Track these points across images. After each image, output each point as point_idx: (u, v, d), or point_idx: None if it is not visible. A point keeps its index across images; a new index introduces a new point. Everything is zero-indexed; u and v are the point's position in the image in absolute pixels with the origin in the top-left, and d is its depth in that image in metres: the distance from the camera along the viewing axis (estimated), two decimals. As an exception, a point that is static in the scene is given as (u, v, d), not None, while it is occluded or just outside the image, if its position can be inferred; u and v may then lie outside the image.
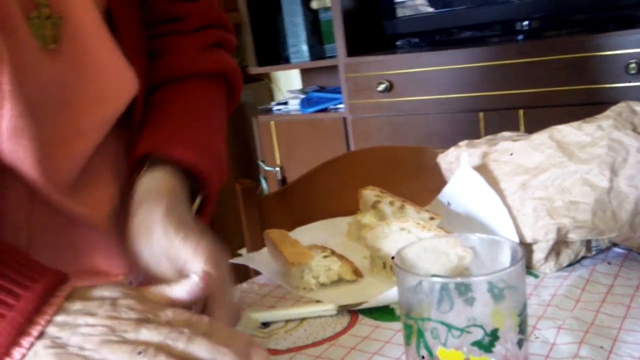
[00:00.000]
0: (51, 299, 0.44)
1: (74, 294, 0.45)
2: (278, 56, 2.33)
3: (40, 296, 0.43)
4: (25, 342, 0.42)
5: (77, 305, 0.44)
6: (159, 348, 0.42)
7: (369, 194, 0.80)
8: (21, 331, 0.42)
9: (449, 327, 0.42)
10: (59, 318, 0.43)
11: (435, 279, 0.42)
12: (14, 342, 0.41)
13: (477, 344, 0.42)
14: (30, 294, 0.43)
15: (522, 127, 1.65)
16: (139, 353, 0.41)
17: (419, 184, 1.12)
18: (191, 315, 0.45)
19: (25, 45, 0.54)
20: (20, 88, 0.52)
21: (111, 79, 0.61)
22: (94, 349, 0.42)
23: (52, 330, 0.43)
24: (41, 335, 0.42)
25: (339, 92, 2.04)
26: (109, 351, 0.42)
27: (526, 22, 1.80)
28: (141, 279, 0.65)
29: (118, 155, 0.66)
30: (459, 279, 0.42)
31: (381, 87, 1.83)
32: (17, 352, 0.42)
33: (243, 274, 0.90)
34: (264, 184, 2.29)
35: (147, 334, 0.43)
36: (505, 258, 0.45)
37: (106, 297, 0.45)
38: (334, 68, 2.06)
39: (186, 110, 0.67)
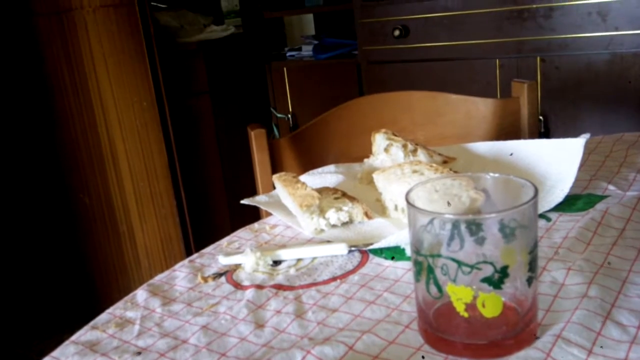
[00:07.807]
0: None
1: None
2: (292, 0, 2.28)
3: None
4: None
5: None
6: None
7: (382, 137, 0.79)
8: None
9: (459, 263, 0.42)
10: None
11: (447, 215, 0.42)
12: None
13: (487, 280, 0.42)
14: None
15: (538, 76, 1.62)
16: None
17: (433, 130, 1.11)
18: None
19: None
20: None
21: None
22: None
23: None
24: None
25: (354, 39, 2.01)
26: None
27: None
28: None
29: None
30: (470, 216, 0.42)
31: (396, 33, 1.79)
32: None
33: (255, 216, 0.91)
34: (276, 132, 2.28)
35: None
36: (518, 200, 0.45)
37: None
38: (348, 13, 2.02)
39: None
